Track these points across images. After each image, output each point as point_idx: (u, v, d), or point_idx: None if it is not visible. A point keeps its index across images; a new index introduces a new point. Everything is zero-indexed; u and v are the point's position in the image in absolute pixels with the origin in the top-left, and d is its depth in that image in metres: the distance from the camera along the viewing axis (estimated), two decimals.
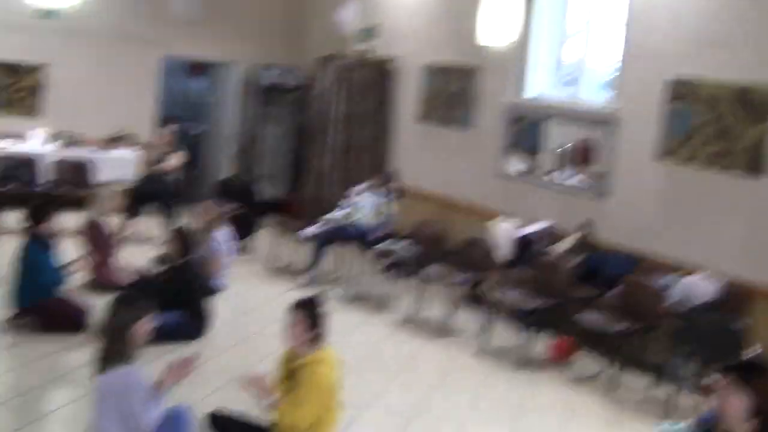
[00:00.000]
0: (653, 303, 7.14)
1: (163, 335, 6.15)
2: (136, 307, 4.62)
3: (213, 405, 5.15)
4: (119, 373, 4.46)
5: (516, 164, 9.83)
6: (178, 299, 7.08)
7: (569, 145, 9.25)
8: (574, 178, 9.13)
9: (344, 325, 8.01)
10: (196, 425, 4.82)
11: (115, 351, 4.50)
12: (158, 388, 4.62)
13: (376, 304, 8.89)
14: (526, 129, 9.78)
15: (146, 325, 4.60)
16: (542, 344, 7.82)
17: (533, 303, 7.65)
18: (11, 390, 5.82)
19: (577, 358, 7.63)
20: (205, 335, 7.09)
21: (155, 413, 4.55)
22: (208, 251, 8.51)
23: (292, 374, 4.82)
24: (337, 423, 4.88)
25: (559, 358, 7.53)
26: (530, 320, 7.78)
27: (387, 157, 11.87)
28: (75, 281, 7.68)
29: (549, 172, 9.44)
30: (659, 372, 7.00)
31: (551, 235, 8.87)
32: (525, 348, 7.51)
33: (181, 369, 4.70)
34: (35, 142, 11.33)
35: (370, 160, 11.90)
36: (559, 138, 9.38)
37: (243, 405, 5.08)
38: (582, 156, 9.12)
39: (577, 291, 7.75)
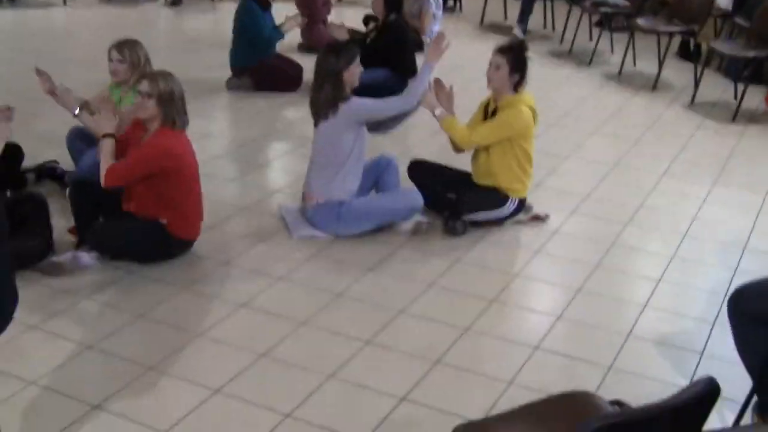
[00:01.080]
0: None
1: (373, 92, 6.38)
2: (345, 52, 4.79)
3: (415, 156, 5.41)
4: (340, 109, 4.70)
5: None
6: (386, 57, 7.26)
7: None
8: None
9: (553, 78, 8.01)
10: (399, 173, 5.10)
11: (329, 96, 4.73)
12: (425, 62, 4.88)
13: (585, 58, 8.74)
14: None
15: (355, 68, 4.76)
16: (758, 97, 7.48)
17: (749, 54, 7.27)
18: (233, 142, 6.33)
19: None
20: None
21: (416, 85, 4.84)
22: (417, 7, 8.57)
23: (491, 117, 4.95)
24: (531, 171, 5.01)
25: None
26: (744, 72, 7.43)
27: None
28: (287, 43, 8.03)
29: None
30: None
31: None
32: (739, 101, 7.22)
33: (439, 45, 4.88)
34: None
35: None
36: None
37: (445, 159, 5.29)
38: None
39: None
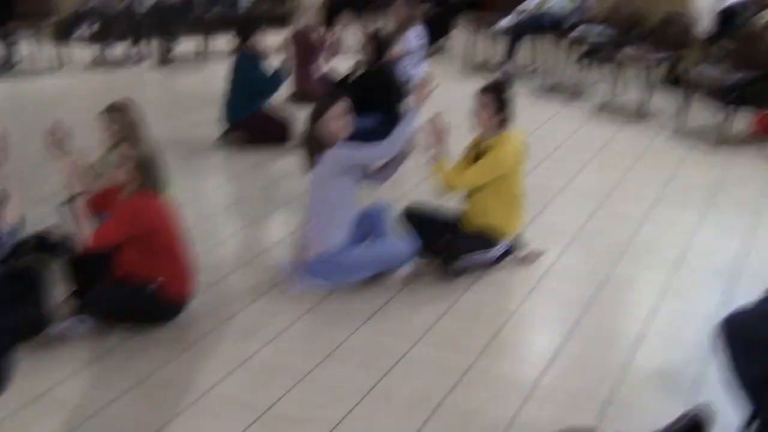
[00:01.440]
0: None
1: (361, 138, 6.45)
2: (334, 101, 4.86)
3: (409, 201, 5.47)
4: (328, 154, 4.76)
5: None
6: (374, 102, 7.36)
7: None
8: None
9: (541, 114, 8.09)
10: (393, 220, 5.15)
11: (318, 144, 4.81)
12: (410, 107, 4.90)
13: (572, 92, 8.85)
14: None
15: (343, 118, 4.84)
16: (743, 121, 7.56)
17: (734, 77, 7.36)
18: (228, 198, 6.40)
19: None
20: None
21: (401, 130, 4.81)
22: (401, 51, 8.68)
23: (479, 157, 5.01)
24: (523, 208, 5.07)
25: (763, 132, 7.27)
26: (731, 96, 7.51)
27: None
28: (280, 95, 8.13)
29: None
30: None
31: (757, 5, 8.37)
32: (725, 126, 7.29)
33: (423, 88, 4.88)
34: None
35: None
36: None
37: (436, 203, 5.35)
38: None
39: None
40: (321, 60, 8.62)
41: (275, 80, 7.42)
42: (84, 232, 4.24)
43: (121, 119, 5.04)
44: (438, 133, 5.01)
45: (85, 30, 11.66)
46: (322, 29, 9.14)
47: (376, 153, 4.87)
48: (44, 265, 4.59)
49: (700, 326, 4.37)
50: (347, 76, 7.85)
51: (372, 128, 7.14)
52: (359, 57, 7.94)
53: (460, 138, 5.23)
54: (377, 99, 7.35)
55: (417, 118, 4.90)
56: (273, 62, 7.44)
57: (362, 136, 6.64)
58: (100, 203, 4.50)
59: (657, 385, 3.90)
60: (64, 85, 9.84)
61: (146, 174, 4.32)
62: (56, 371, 4.04)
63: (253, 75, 7.31)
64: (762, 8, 8.27)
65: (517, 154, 4.96)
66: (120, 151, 4.35)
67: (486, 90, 4.98)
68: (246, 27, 7.46)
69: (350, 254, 4.85)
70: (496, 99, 4.92)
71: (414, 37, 8.82)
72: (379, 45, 7.61)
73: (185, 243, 4.52)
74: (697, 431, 2.17)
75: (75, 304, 4.45)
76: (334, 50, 8.62)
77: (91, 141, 5.16)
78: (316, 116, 4.83)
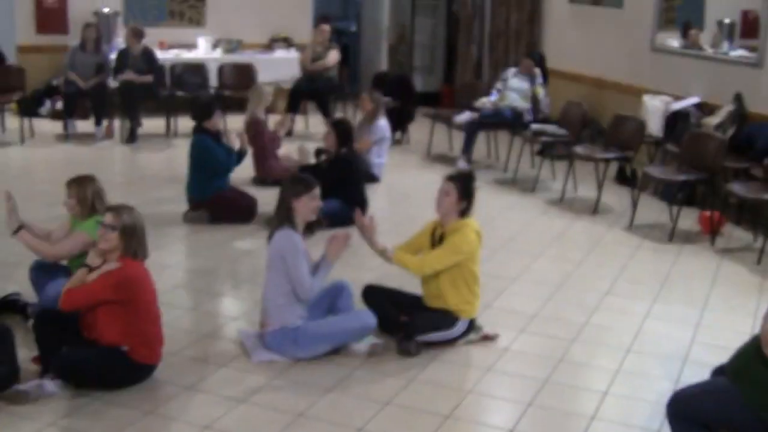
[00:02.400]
0: None
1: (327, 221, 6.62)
2: (302, 183, 5.06)
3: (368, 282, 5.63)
4: (282, 233, 4.92)
5: (669, 39, 9.72)
6: (336, 188, 7.56)
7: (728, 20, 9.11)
8: (731, 51, 8.96)
9: (497, 205, 8.35)
10: (353, 298, 5.30)
11: (280, 219, 4.98)
12: (324, 259, 5.06)
13: (529, 185, 9.14)
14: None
15: (309, 200, 5.00)
16: (691, 219, 7.89)
17: (681, 178, 7.71)
18: (191, 272, 6.51)
19: (726, 230, 7.67)
20: None
21: (317, 283, 5.01)
22: (365, 141, 8.94)
23: (440, 242, 5.20)
24: (477, 293, 5.26)
25: (709, 231, 7.58)
26: (679, 194, 7.87)
27: (538, 41, 11.88)
28: (241, 177, 8.32)
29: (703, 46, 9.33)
30: None
31: (703, 109, 8.80)
32: (674, 222, 7.61)
33: (341, 241, 5.07)
34: (203, 48, 12.03)
35: (521, 44, 11.95)
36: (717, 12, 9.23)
37: (398, 283, 5.52)
38: (744, 28, 8.95)
39: (729, 163, 7.74)
40: (278, 147, 8.81)
41: (230, 160, 7.59)
42: (42, 250, 4.39)
43: (81, 191, 5.20)
44: (367, 225, 5.20)
45: (49, 106, 11.82)
46: (279, 117, 9.35)
47: (302, 282, 4.92)
48: (13, 324, 4.67)
49: (648, 409, 4.54)
50: (312, 164, 8.05)
51: (334, 212, 7.34)
52: (322, 145, 8.16)
53: (420, 225, 5.44)
54: (341, 185, 7.54)
55: (329, 271, 5.07)
56: (233, 144, 7.63)
57: (325, 218, 6.85)
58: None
59: None
60: (30, 156, 9.93)
61: (129, 242, 4.44)
62: (21, 429, 4.07)
63: (209, 155, 7.47)
64: (706, 114, 8.68)
65: (473, 241, 5.17)
66: (105, 219, 4.46)
67: (451, 178, 5.22)
68: (202, 109, 7.65)
69: (310, 328, 4.98)
70: (460, 188, 5.15)
71: (382, 126, 9.08)
72: (341, 134, 7.83)
73: (158, 309, 4.61)
74: None
75: (42, 364, 4.50)
76: (279, 140, 8.81)
77: (55, 211, 5.30)
78: (287, 195, 5.00)
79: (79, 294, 4.36)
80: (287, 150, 9.06)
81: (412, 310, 5.26)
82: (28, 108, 10.84)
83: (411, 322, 5.16)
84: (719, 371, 3.75)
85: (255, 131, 8.60)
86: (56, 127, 11.07)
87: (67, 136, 10.66)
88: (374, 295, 5.39)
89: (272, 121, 9.00)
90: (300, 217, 5.00)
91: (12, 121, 10.88)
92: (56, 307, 4.48)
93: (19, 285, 5.52)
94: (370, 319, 5.10)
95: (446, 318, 5.18)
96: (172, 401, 4.44)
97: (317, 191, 5.07)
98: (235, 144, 7.72)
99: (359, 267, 6.20)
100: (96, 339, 4.48)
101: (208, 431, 4.16)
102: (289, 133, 10.05)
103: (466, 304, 5.21)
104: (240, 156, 7.79)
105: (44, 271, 5.25)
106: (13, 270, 5.89)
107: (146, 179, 8.97)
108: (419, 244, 5.33)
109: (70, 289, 4.39)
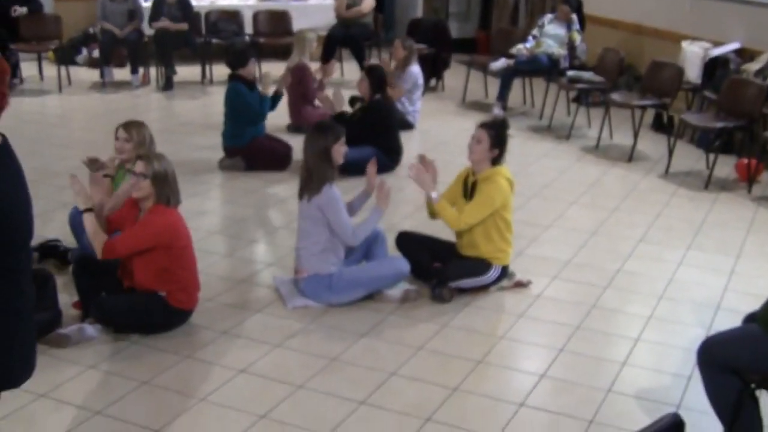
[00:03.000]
0: None
1: (358, 169, 6.65)
2: (331, 130, 5.07)
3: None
4: (323, 190, 4.97)
5: None
6: (371, 134, 7.58)
7: None
8: None
9: (532, 153, 8.34)
10: (387, 245, 5.35)
11: (314, 174, 5.01)
12: (375, 207, 5.12)
13: (564, 132, 9.09)
14: None
15: (340, 147, 5.03)
16: (729, 166, 7.82)
17: (719, 124, 7.62)
18: (227, 219, 6.58)
19: (763, 178, 7.60)
20: (396, 168, 7.61)
21: (364, 228, 5.07)
22: (402, 87, 8.93)
23: (471, 190, 5.22)
24: (510, 241, 5.28)
25: (746, 179, 7.51)
26: (716, 142, 7.79)
27: None
28: (277, 123, 8.36)
29: None
30: None
31: (743, 55, 8.67)
32: (710, 170, 7.55)
33: (383, 191, 5.13)
34: None
35: None
36: None
37: (431, 230, 5.55)
38: None
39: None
40: (317, 93, 8.80)
41: (263, 107, 7.60)
42: (97, 242, 4.40)
43: (140, 134, 5.21)
44: (430, 168, 5.25)
45: (86, 55, 11.91)
46: (317, 64, 9.36)
47: (346, 231, 5.00)
48: (54, 269, 4.76)
49: (680, 356, 4.56)
50: (344, 111, 8.05)
51: (368, 159, 7.35)
52: (356, 94, 8.16)
53: (455, 172, 5.45)
54: (374, 133, 7.57)
55: (380, 218, 5.13)
56: (267, 88, 7.63)
57: (359, 165, 6.88)
58: (117, 220, 4.64)
59: (637, 409, 4.08)
60: (67, 104, 10.04)
61: (162, 189, 4.50)
62: (61, 372, 4.19)
63: (242, 103, 7.49)
64: (747, 60, 8.56)
65: (505, 190, 5.17)
66: (136, 168, 4.52)
67: (484, 126, 5.20)
68: (237, 57, 7.67)
69: (344, 275, 5.04)
70: (493, 135, 5.15)
71: (414, 73, 9.05)
72: (375, 81, 7.81)
73: (193, 255, 4.70)
74: (677, 429, 2.36)
75: (82, 309, 4.62)
76: (323, 86, 8.81)
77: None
78: (310, 146, 5.03)
79: (119, 245, 4.43)
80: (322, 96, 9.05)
81: (445, 257, 5.30)
82: (65, 56, 10.94)
83: (444, 269, 5.21)
84: (751, 318, 3.75)
85: (300, 77, 8.58)
86: (93, 75, 11.19)
87: (103, 84, 10.77)
88: (408, 242, 5.43)
89: (314, 68, 8.99)
90: (334, 164, 5.03)
91: (49, 69, 10.98)
92: (95, 252, 4.56)
93: (60, 231, 5.63)
94: (403, 265, 5.15)
95: (479, 265, 5.21)
96: (209, 346, 4.54)
97: (343, 135, 5.08)
98: (270, 89, 7.74)
99: (393, 214, 6.23)
100: (134, 285, 4.57)
101: (244, 375, 4.25)
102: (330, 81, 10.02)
103: (499, 251, 5.24)
104: (275, 100, 7.82)
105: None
106: (53, 216, 6.00)
107: (182, 126, 9.04)
108: (453, 194, 5.34)
109: (112, 240, 4.44)
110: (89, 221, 4.42)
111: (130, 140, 5.17)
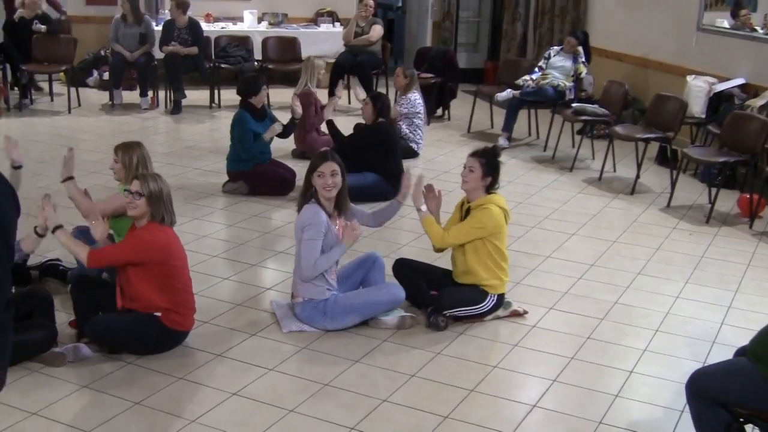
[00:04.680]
0: None
1: (360, 194, 6.68)
2: (314, 159, 5.12)
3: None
4: (308, 207, 5.03)
5: (717, 19, 9.61)
6: (372, 159, 7.63)
7: None
8: None
9: (535, 183, 8.35)
10: (384, 271, 5.38)
11: (305, 193, 5.09)
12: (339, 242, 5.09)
13: (568, 163, 9.12)
14: None
15: (317, 178, 5.01)
16: (731, 201, 7.83)
17: (722, 158, 7.64)
18: (228, 243, 6.61)
19: (766, 213, 7.60)
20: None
21: (323, 262, 4.98)
22: (401, 112, 8.99)
23: (465, 217, 5.25)
24: (506, 269, 5.30)
25: (748, 214, 7.52)
26: (719, 176, 7.81)
27: (582, 19, 11.80)
28: (282, 149, 8.42)
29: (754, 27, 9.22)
30: None
31: (748, 91, 8.71)
32: (712, 204, 7.56)
33: (353, 231, 5.06)
34: (248, 21, 12.12)
35: (565, 23, 11.90)
36: None
37: (429, 258, 5.58)
38: None
39: None
40: (316, 122, 8.85)
41: (254, 148, 7.60)
42: (79, 252, 4.49)
43: (125, 157, 5.32)
44: (433, 196, 5.32)
45: (96, 77, 12.03)
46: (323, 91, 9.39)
47: (309, 259, 4.96)
48: (53, 289, 4.80)
49: (673, 390, 4.55)
50: (348, 136, 8.10)
51: (370, 185, 7.41)
52: (361, 122, 8.21)
53: (456, 200, 5.49)
54: (376, 157, 7.62)
55: (342, 254, 5.10)
56: (278, 118, 7.70)
57: (361, 191, 6.93)
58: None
59: None
60: (77, 125, 10.12)
61: (157, 208, 4.56)
62: (54, 390, 4.23)
63: (240, 131, 7.57)
64: (750, 96, 8.60)
65: (497, 217, 5.19)
66: (131, 187, 4.58)
67: (475, 154, 5.25)
68: (249, 85, 7.73)
69: (340, 300, 5.06)
70: (484, 164, 5.19)
71: (412, 100, 9.10)
72: (378, 106, 7.86)
73: (188, 276, 4.73)
74: None
75: (78, 328, 4.65)
76: (322, 116, 8.85)
77: (99, 179, 5.41)
78: (309, 172, 5.09)
79: (107, 255, 4.52)
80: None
81: (441, 285, 5.33)
82: (76, 78, 11.05)
83: (440, 297, 5.23)
84: (742, 352, 3.76)
85: (305, 103, 8.63)
86: (103, 97, 11.30)
87: (113, 106, 10.87)
88: (405, 269, 5.46)
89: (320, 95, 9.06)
90: (318, 192, 5.05)
91: (60, 90, 11.09)
92: (94, 273, 4.62)
93: (60, 250, 5.67)
94: (399, 292, 5.18)
95: (475, 293, 5.23)
96: (203, 367, 4.56)
97: (331, 167, 5.05)
98: (297, 110, 7.94)
99: (393, 241, 6.26)
100: (130, 306, 4.61)
101: (236, 397, 4.27)
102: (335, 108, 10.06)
103: (495, 279, 5.25)
104: (289, 128, 7.94)
105: (84, 237, 5.38)
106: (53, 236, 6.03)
107: (188, 150, 9.10)
108: (453, 223, 5.37)
109: (100, 249, 4.53)
110: (64, 237, 4.54)
111: (117, 162, 5.35)
